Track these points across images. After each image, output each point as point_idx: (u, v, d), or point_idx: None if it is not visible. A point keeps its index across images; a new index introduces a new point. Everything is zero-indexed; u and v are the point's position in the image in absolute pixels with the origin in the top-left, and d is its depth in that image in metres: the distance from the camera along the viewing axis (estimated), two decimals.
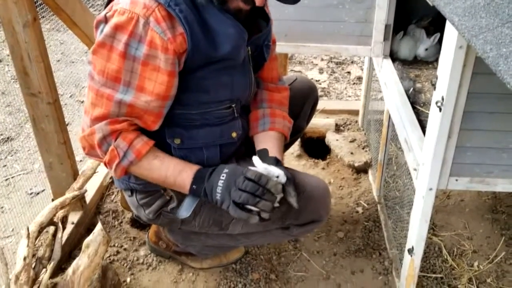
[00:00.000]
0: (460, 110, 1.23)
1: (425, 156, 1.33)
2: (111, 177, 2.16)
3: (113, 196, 2.20)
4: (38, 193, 2.46)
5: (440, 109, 1.21)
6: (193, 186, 1.35)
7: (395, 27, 2.02)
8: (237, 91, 1.43)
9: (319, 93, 3.61)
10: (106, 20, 1.22)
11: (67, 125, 1.90)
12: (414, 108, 1.65)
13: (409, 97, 1.70)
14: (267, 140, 1.54)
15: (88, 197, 2.07)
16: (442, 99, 1.20)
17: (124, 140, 1.30)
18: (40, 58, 1.65)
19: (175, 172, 1.36)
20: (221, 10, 1.27)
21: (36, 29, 1.62)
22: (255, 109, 1.61)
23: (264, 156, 1.46)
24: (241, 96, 1.46)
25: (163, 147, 1.40)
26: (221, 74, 1.34)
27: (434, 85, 1.26)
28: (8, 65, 4.17)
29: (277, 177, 1.33)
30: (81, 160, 2.60)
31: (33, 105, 1.75)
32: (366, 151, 2.49)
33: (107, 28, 1.21)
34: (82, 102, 3.57)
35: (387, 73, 1.92)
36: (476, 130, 1.27)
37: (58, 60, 4.32)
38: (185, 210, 1.50)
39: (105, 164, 1.36)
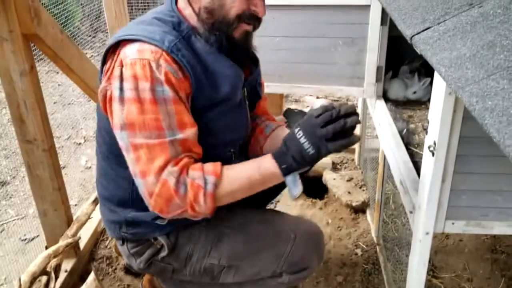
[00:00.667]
0: (453, 154, 1.24)
1: (420, 200, 1.34)
2: None
3: (107, 242, 2.18)
4: (31, 239, 2.43)
5: (433, 154, 1.22)
6: (283, 167, 1.26)
7: (388, 68, 2.07)
8: (239, 132, 1.46)
9: None
10: (121, 76, 1.21)
11: (63, 168, 1.91)
12: (408, 149, 1.66)
13: (403, 138, 1.72)
14: (281, 132, 1.53)
15: (82, 243, 2.05)
16: (434, 143, 1.21)
17: (195, 170, 1.24)
18: (36, 106, 1.67)
19: (254, 170, 1.28)
20: (220, 52, 1.31)
21: (33, 77, 1.65)
22: (256, 126, 1.62)
23: (293, 113, 1.41)
24: (242, 136, 1.48)
25: None
26: (225, 116, 1.36)
27: (426, 130, 1.27)
28: (5, 107, 4.21)
29: None
30: (76, 204, 2.60)
31: (28, 152, 1.76)
32: (363, 190, 2.50)
33: (127, 83, 1.20)
34: (79, 144, 3.59)
35: (381, 114, 1.95)
36: (470, 173, 1.28)
37: (55, 102, 4.36)
38: (295, 188, 1.33)
39: (191, 208, 1.25)
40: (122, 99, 1.20)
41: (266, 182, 1.31)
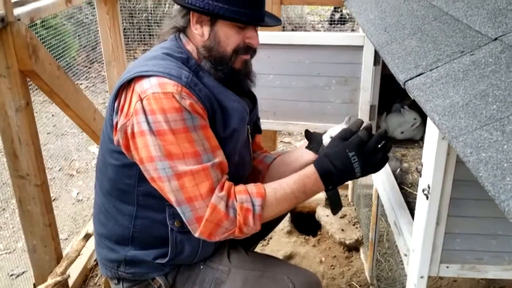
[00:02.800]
0: (446, 198, 1.24)
1: (415, 243, 1.33)
2: (95, 260, 2.11)
3: (96, 279, 2.14)
4: (19, 275, 2.38)
5: (427, 197, 1.23)
6: (329, 188, 1.36)
7: (381, 104, 2.09)
8: (248, 169, 1.49)
9: None
10: (144, 110, 1.22)
11: (53, 200, 1.89)
12: (401, 189, 1.67)
13: (396, 178, 1.73)
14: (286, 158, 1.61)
15: (71, 281, 2.01)
16: (429, 187, 1.21)
17: (241, 194, 1.28)
18: (31, 141, 1.67)
19: (299, 186, 1.33)
20: (225, 87, 1.37)
21: (29, 113, 1.65)
22: (254, 159, 1.65)
23: (315, 136, 1.53)
24: (248, 173, 1.48)
25: (158, 229, 1.38)
26: (234, 154, 1.38)
27: (419, 172, 1.28)
28: None
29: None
30: (66, 238, 2.56)
31: (20, 187, 1.74)
32: (357, 227, 2.48)
33: (155, 116, 1.21)
34: (71, 175, 3.56)
35: None
36: (464, 217, 1.28)
37: (49, 133, 4.34)
38: (338, 204, 1.42)
39: (239, 230, 1.27)
40: (153, 132, 1.22)
41: (308, 197, 1.38)
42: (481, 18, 1.21)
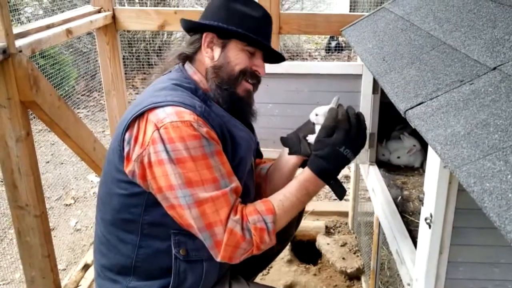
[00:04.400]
0: (449, 226, 1.23)
1: (418, 272, 1.31)
2: None
3: None
4: None
5: (430, 226, 1.22)
6: (331, 182, 1.42)
7: (380, 131, 2.09)
8: (251, 197, 1.51)
9: None
10: (161, 139, 1.23)
11: (52, 230, 1.87)
12: (403, 217, 1.66)
13: (397, 206, 1.72)
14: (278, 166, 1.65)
15: None
16: (431, 215, 1.21)
17: (252, 215, 1.31)
18: (30, 172, 1.66)
19: (302, 191, 1.39)
20: (232, 116, 1.42)
21: (29, 143, 1.65)
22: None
23: (290, 139, 1.60)
24: (250, 201, 1.49)
25: (162, 258, 1.38)
26: (241, 181, 1.38)
27: (421, 201, 1.27)
28: None
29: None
30: (64, 269, 2.52)
31: (19, 218, 1.72)
32: (358, 256, 2.46)
33: (174, 144, 1.23)
34: (69, 205, 3.54)
35: (374, 180, 1.95)
36: (467, 245, 1.27)
37: (47, 162, 4.33)
38: (341, 190, 1.47)
39: (257, 248, 1.31)
40: (172, 160, 1.23)
41: (313, 197, 1.44)
42: (479, 47, 1.23)
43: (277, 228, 1.35)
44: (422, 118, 1.06)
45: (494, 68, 1.08)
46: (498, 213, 0.67)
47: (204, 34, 1.42)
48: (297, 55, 7.53)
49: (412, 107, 1.13)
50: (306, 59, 7.67)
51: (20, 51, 1.56)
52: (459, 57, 1.25)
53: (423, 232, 1.27)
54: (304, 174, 1.41)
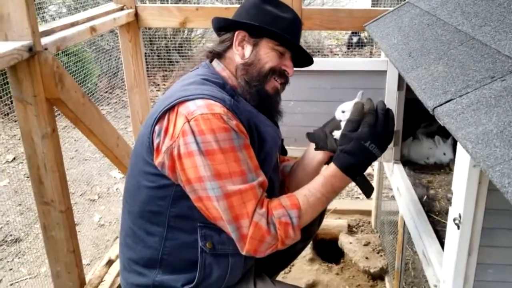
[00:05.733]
0: (478, 227, 1.20)
1: (445, 274, 1.28)
2: (118, 286, 2.10)
3: None
4: None
5: (458, 227, 1.19)
6: (357, 178, 1.41)
7: (405, 129, 2.06)
8: (276, 193, 1.50)
9: None
10: (192, 131, 1.25)
11: (76, 225, 1.89)
12: (429, 216, 1.62)
13: (423, 205, 1.69)
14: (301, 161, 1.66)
15: None
16: (460, 216, 1.18)
17: (277, 209, 1.32)
18: (56, 168, 1.68)
19: (327, 187, 1.39)
20: (258, 112, 1.43)
21: (54, 140, 1.67)
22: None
23: (317, 135, 1.58)
24: (275, 196, 1.50)
25: (188, 252, 1.39)
26: (266, 176, 1.39)
27: (449, 201, 1.24)
28: (22, 162, 4.25)
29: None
30: (88, 264, 2.55)
31: (45, 213, 1.75)
32: (381, 255, 2.43)
33: (204, 136, 1.24)
34: (93, 200, 3.58)
35: (399, 179, 1.92)
36: (497, 247, 1.23)
37: (72, 158, 4.40)
38: (369, 187, 1.47)
39: (281, 243, 1.32)
40: (202, 152, 1.25)
41: (338, 193, 1.44)
42: (511, 42, 1.19)
43: (302, 223, 1.35)
44: (451, 115, 1.03)
45: None
46: None
47: (237, 32, 1.44)
48: (318, 52, 7.47)
49: (441, 104, 1.10)
50: (327, 55, 7.61)
51: (46, 49, 1.58)
52: (489, 52, 1.22)
53: (451, 232, 1.24)
54: (329, 169, 1.41)
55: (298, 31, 1.52)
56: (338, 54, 7.77)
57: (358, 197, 3.63)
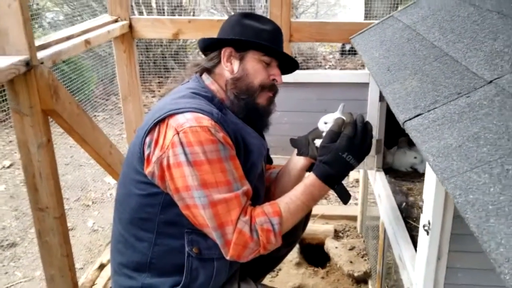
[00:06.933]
0: (447, 233, 1.27)
1: (417, 277, 1.35)
2: None
3: None
4: None
5: (428, 232, 1.26)
6: (336, 187, 1.48)
7: (388, 138, 2.13)
8: (261, 200, 1.57)
9: None
10: (181, 142, 1.31)
11: (70, 230, 1.94)
12: (407, 222, 1.69)
13: (401, 212, 1.75)
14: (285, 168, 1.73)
15: None
16: (429, 223, 1.24)
17: (259, 216, 1.38)
18: (51, 176, 1.74)
19: (307, 196, 1.45)
20: (245, 124, 1.50)
21: (49, 149, 1.73)
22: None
23: (299, 141, 1.67)
24: (260, 204, 1.56)
25: (175, 256, 1.44)
26: (252, 184, 1.45)
27: (421, 208, 1.31)
28: (18, 168, 4.29)
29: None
30: (81, 268, 2.60)
31: (40, 219, 1.81)
32: (365, 259, 2.49)
33: (192, 147, 1.31)
34: (88, 206, 3.64)
35: (380, 186, 1.99)
36: (465, 252, 1.30)
37: (67, 164, 4.45)
38: (346, 195, 1.53)
39: (264, 248, 1.39)
40: (190, 163, 1.31)
41: (318, 201, 1.51)
42: (479, 60, 1.25)
43: (283, 229, 1.41)
44: (418, 129, 1.10)
45: (491, 82, 1.12)
46: (478, 224, 0.71)
47: (223, 49, 1.51)
48: (311, 59, 7.55)
49: (410, 119, 1.17)
50: (320, 62, 7.68)
51: (42, 63, 1.65)
52: (459, 69, 1.28)
53: (422, 238, 1.30)
54: (309, 178, 1.48)
55: (280, 40, 1.59)
56: (331, 61, 7.84)
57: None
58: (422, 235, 1.30)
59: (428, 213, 1.25)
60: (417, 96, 1.28)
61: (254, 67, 1.51)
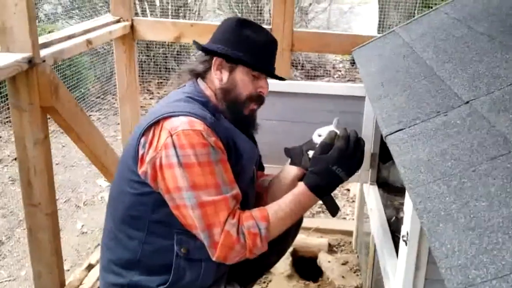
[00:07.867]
0: (425, 244, 1.41)
1: (396, 286, 1.50)
2: None
3: None
4: None
5: (406, 243, 1.41)
6: (324, 198, 1.63)
7: (385, 153, 2.28)
8: (251, 205, 1.70)
9: (316, 209, 3.83)
10: (174, 144, 1.46)
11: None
12: (395, 236, 1.84)
13: (390, 226, 1.90)
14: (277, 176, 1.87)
15: None
16: (407, 233, 1.40)
17: (247, 220, 1.51)
18: (45, 172, 1.90)
19: (296, 204, 1.59)
20: (238, 130, 1.64)
21: (45, 145, 1.89)
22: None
23: (293, 151, 1.82)
24: (250, 208, 1.71)
25: (164, 255, 1.59)
26: (242, 188, 1.59)
27: (401, 220, 1.47)
28: (7, 166, 4.45)
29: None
30: (68, 269, 2.75)
31: (31, 215, 1.96)
32: (357, 275, 2.63)
33: (184, 150, 1.46)
34: (78, 207, 3.79)
35: (373, 200, 2.14)
36: None
37: (57, 164, 4.59)
38: (335, 208, 1.69)
39: (250, 252, 1.51)
40: (181, 164, 1.46)
41: (307, 210, 1.68)
42: (462, 80, 1.41)
43: (270, 235, 1.55)
44: (397, 143, 1.26)
45: (467, 102, 1.27)
46: (429, 228, 0.87)
47: (214, 59, 1.65)
48: (320, 67, 7.70)
49: (392, 133, 1.33)
50: (329, 70, 7.82)
51: (44, 61, 1.82)
52: (443, 88, 1.44)
53: (401, 249, 1.45)
54: (299, 187, 1.63)
55: (273, 53, 1.73)
56: (340, 70, 7.98)
57: (345, 218, 3.84)
58: (401, 246, 1.45)
59: (407, 224, 1.40)
60: (402, 112, 1.44)
61: (243, 80, 1.65)
